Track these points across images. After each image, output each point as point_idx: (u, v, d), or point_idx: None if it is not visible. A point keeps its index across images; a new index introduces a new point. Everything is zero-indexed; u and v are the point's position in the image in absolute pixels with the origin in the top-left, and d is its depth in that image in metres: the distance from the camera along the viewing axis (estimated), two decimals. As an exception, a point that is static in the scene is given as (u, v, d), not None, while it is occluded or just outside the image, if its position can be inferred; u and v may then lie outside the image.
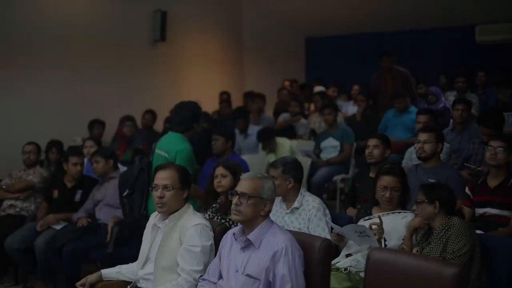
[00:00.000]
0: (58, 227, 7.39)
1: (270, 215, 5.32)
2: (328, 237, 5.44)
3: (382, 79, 10.63)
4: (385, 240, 5.17)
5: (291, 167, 5.85)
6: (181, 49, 14.12)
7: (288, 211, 5.82)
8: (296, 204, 5.80)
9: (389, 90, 10.32)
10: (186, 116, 6.82)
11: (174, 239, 4.77)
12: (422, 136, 6.68)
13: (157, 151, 6.85)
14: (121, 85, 12.52)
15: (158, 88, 13.42)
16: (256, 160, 9.47)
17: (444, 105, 10.35)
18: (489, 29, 13.57)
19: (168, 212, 4.85)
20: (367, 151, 6.88)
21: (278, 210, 5.89)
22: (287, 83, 14.60)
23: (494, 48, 12.25)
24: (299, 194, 5.85)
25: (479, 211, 5.99)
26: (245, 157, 9.26)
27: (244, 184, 4.42)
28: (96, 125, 10.73)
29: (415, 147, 7.79)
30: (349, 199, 7.07)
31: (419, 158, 6.74)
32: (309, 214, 5.71)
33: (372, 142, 6.87)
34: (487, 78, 12.28)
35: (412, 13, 13.93)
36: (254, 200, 4.36)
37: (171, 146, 6.66)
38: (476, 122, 7.92)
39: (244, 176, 4.53)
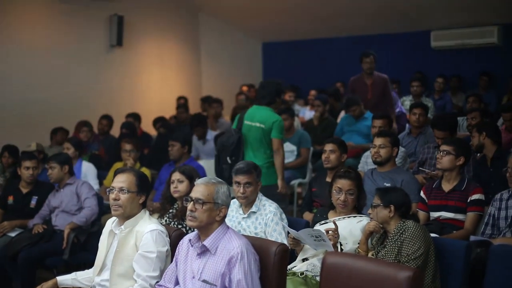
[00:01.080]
0: (13, 234, 7.32)
1: (226, 220, 5.35)
2: (285, 241, 5.47)
3: (362, 83, 10.26)
4: (341, 245, 5.21)
5: (260, 171, 5.90)
6: (138, 54, 14.06)
7: (245, 215, 5.83)
8: (253, 209, 5.81)
9: (369, 95, 10.08)
10: (270, 91, 7.65)
11: (130, 245, 4.73)
12: (378, 141, 6.73)
13: (247, 122, 7.68)
14: (77, 90, 12.43)
15: (114, 93, 13.35)
16: (214, 165, 9.44)
17: (401, 110, 10.46)
18: (444, 35, 13.71)
19: (123, 216, 4.80)
20: (323, 156, 6.92)
21: (234, 215, 5.90)
22: (244, 88, 14.62)
23: (449, 53, 12.39)
24: (257, 199, 5.86)
25: (434, 214, 6.07)
26: (203, 162, 9.25)
27: (199, 190, 4.41)
28: (60, 132, 10.64)
29: (370, 152, 7.89)
30: (305, 203, 7.09)
31: (374, 162, 6.79)
32: (265, 219, 5.72)
33: (328, 147, 6.91)
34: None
35: (368, 18, 14.02)
36: (209, 205, 4.36)
37: (266, 117, 7.55)
38: (430, 125, 8.02)
39: (198, 181, 4.52)
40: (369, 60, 10.12)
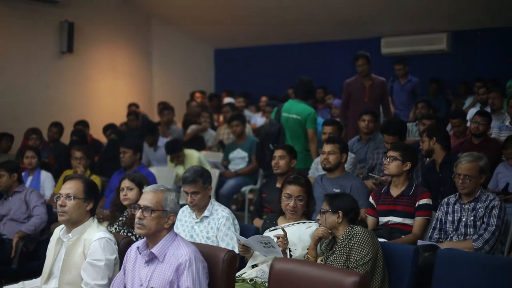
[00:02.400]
0: (-40, 242, 7.20)
1: (179, 225, 5.33)
2: (236, 246, 5.50)
3: (359, 85, 9.71)
4: (290, 251, 5.23)
5: (208, 175, 5.86)
6: (88, 61, 13.94)
7: (198, 220, 5.82)
8: (206, 213, 5.81)
9: (366, 98, 9.56)
10: (308, 88, 8.89)
11: (78, 253, 4.70)
12: (327, 147, 6.77)
13: (285, 114, 8.73)
14: (27, 96, 12.30)
15: (65, 100, 13.23)
16: (165, 172, 9.43)
17: None
18: (394, 42, 13.85)
19: (69, 222, 4.76)
20: (273, 162, 6.94)
21: (187, 220, 5.89)
22: (198, 95, 14.59)
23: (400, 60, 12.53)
24: (210, 203, 5.86)
25: (383, 219, 6.12)
26: (154, 169, 9.21)
27: (147, 198, 4.39)
28: (5, 138, 10.50)
29: (320, 158, 7.93)
30: (256, 210, 7.11)
31: (324, 169, 6.83)
32: (218, 223, 5.73)
33: (278, 153, 6.94)
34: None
35: (319, 25, 14.10)
36: (158, 213, 4.34)
37: (302, 110, 8.65)
38: (380, 131, 8.09)
39: (146, 189, 4.50)
40: (360, 62, 9.77)
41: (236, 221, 5.87)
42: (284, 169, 6.83)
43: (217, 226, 5.73)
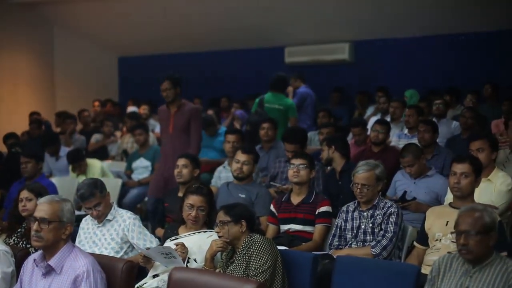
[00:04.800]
0: None
1: (81, 233, 5.26)
2: (153, 240, 5.68)
3: (165, 112, 8.41)
4: (188, 261, 5.22)
5: (101, 183, 5.84)
6: (-12, 68, 13.66)
7: (100, 224, 5.78)
8: (109, 217, 5.77)
9: (171, 125, 8.23)
10: (284, 83, 10.18)
11: (-26, 266, 4.60)
12: (242, 157, 6.83)
13: (267, 105, 9.80)
14: None
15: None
16: (67, 182, 9.28)
17: None
18: (298, 51, 14.01)
19: None
20: (176, 171, 6.93)
21: (89, 228, 5.85)
22: (96, 103, 14.42)
23: (302, 69, 12.67)
24: (112, 208, 5.83)
25: (284, 227, 6.19)
26: (56, 179, 9.06)
27: (43, 209, 4.32)
28: None
29: (224, 166, 7.96)
30: (158, 219, 7.07)
31: (236, 177, 6.86)
32: (124, 225, 5.71)
33: (181, 161, 6.92)
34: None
35: (223, 34, 14.16)
36: (55, 224, 4.28)
37: (284, 101, 9.99)
38: (281, 139, 8.18)
39: (41, 200, 4.43)
40: (164, 86, 8.45)
41: (141, 223, 5.87)
42: (187, 178, 6.82)
43: (127, 228, 5.70)
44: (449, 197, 5.96)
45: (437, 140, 8.00)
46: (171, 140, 8.23)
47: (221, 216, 5.11)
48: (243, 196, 6.70)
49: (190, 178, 6.84)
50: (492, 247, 4.15)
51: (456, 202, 5.35)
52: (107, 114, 13.67)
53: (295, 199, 6.22)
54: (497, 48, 12.49)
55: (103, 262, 4.39)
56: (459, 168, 5.33)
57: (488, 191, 6.19)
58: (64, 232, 4.33)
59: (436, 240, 5.29)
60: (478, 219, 4.13)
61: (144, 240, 5.66)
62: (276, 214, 6.26)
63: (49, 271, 4.30)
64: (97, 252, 5.53)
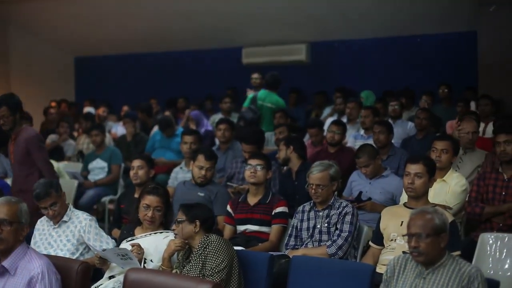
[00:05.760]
0: None
1: (37, 234, 5.21)
2: (110, 241, 5.65)
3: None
4: (145, 262, 5.21)
5: (56, 183, 5.84)
6: None
7: (56, 226, 5.75)
8: (65, 218, 5.74)
9: (11, 155, 7.12)
10: (278, 82, 10.70)
11: None
12: (206, 164, 6.83)
13: (260, 102, 10.45)
14: None
15: None
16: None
17: (206, 128, 10.62)
18: (255, 52, 14.03)
19: None
20: (131, 172, 6.91)
21: (44, 229, 5.80)
22: (53, 104, 14.28)
23: (260, 70, 12.70)
24: (68, 209, 5.80)
25: (240, 228, 6.21)
26: (11, 180, 8.94)
27: (2, 210, 4.28)
28: None
29: (181, 167, 7.96)
30: (114, 220, 7.04)
31: (200, 184, 6.85)
32: (81, 226, 5.69)
33: (136, 163, 6.91)
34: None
35: (180, 34, 14.14)
36: (16, 225, 4.26)
37: (275, 100, 10.61)
38: (238, 140, 8.19)
39: None
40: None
41: (97, 224, 5.85)
42: (143, 179, 6.82)
43: (84, 229, 5.67)
44: (404, 197, 6.01)
45: (393, 141, 8.08)
46: (13, 172, 7.30)
47: (178, 215, 5.16)
48: (202, 194, 6.71)
49: (146, 179, 6.84)
50: (444, 249, 4.20)
51: (410, 202, 5.40)
52: (62, 114, 13.51)
53: (252, 200, 6.25)
54: (452, 50, 12.66)
55: (58, 263, 4.36)
56: (413, 168, 5.38)
57: (443, 192, 6.26)
58: (21, 234, 4.30)
59: (391, 240, 5.33)
60: (428, 222, 4.18)
61: (100, 241, 5.64)
62: (233, 215, 6.28)
63: (2, 273, 4.25)
64: (53, 253, 5.50)
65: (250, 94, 10.96)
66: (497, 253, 5.56)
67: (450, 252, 4.29)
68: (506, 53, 10.81)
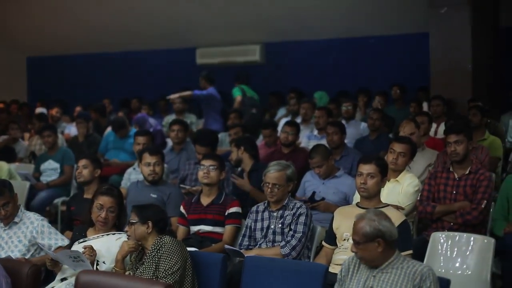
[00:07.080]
0: None
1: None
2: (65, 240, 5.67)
3: None
4: (97, 264, 5.17)
5: (9, 184, 5.78)
6: None
7: (7, 227, 5.71)
8: (16, 219, 5.71)
9: None
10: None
11: None
12: (152, 159, 6.80)
13: (248, 95, 11.54)
14: None
15: None
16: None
17: (155, 128, 10.59)
18: (209, 52, 14.05)
19: None
20: (77, 172, 6.89)
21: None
22: (1, 105, 14.10)
23: (214, 70, 12.67)
24: (20, 210, 5.77)
25: (194, 228, 6.19)
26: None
27: None
28: None
29: (134, 168, 7.92)
30: (65, 223, 6.99)
31: (151, 182, 6.82)
32: (32, 227, 5.68)
33: (81, 162, 6.87)
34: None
35: (133, 35, 14.08)
36: None
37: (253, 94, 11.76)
38: (192, 141, 8.18)
39: None
40: None
41: (50, 225, 5.83)
42: (88, 178, 6.78)
43: (36, 230, 5.66)
44: (357, 197, 6.04)
45: (346, 141, 8.14)
46: None
47: (131, 216, 5.14)
48: (155, 196, 6.68)
49: (91, 178, 6.80)
50: (384, 252, 4.25)
51: (363, 202, 5.44)
52: (12, 115, 13.35)
53: (205, 200, 6.24)
54: (405, 51, 12.79)
55: (8, 266, 4.33)
56: (365, 168, 5.42)
57: (396, 192, 6.31)
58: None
59: (344, 239, 5.36)
60: (360, 229, 4.28)
61: (55, 239, 5.65)
62: (186, 216, 6.26)
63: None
64: (4, 255, 5.46)
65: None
66: (448, 252, 5.68)
67: (400, 252, 4.35)
68: (457, 54, 10.94)
